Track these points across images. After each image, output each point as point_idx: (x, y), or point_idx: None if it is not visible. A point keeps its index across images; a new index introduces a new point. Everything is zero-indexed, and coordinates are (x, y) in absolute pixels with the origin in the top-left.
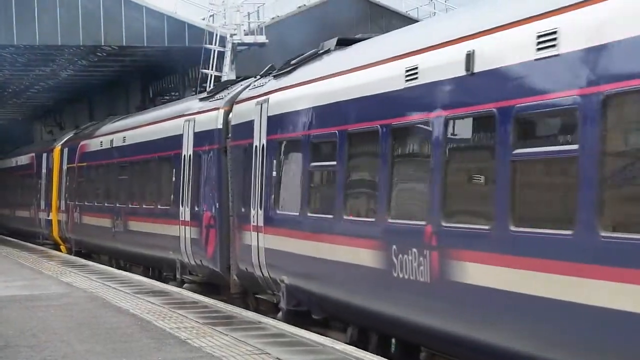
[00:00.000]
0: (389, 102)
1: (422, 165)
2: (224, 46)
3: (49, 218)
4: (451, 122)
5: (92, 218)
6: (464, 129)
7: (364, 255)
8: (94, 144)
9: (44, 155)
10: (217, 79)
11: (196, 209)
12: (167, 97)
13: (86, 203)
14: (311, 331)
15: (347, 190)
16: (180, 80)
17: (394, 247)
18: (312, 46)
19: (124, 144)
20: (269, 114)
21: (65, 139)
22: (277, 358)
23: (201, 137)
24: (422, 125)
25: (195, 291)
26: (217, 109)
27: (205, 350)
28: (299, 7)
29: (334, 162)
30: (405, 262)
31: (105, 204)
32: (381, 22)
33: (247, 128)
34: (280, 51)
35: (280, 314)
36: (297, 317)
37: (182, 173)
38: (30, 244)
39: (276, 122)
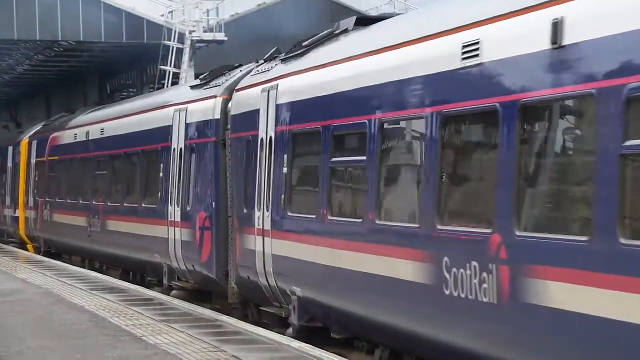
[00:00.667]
0: (439, 85)
1: (485, 159)
2: (183, 43)
3: (15, 215)
4: (526, 108)
5: (65, 216)
6: (546, 116)
7: (403, 268)
8: (67, 136)
9: (10, 148)
10: (175, 75)
11: (188, 208)
12: (125, 94)
13: (57, 200)
14: (330, 351)
15: (380, 190)
16: (138, 77)
17: (446, 259)
18: (271, 44)
19: (102, 136)
20: (277, 102)
21: (33, 131)
22: (233, 356)
23: (195, 129)
24: (485, 112)
25: (184, 299)
26: (214, 97)
27: (161, 348)
28: (259, 4)
29: (363, 157)
30: (462, 277)
31: (80, 201)
32: (340, 20)
33: (250, 118)
34: (239, 49)
35: (290, 329)
36: (311, 334)
37: (171, 168)
38: None
39: (287, 111)
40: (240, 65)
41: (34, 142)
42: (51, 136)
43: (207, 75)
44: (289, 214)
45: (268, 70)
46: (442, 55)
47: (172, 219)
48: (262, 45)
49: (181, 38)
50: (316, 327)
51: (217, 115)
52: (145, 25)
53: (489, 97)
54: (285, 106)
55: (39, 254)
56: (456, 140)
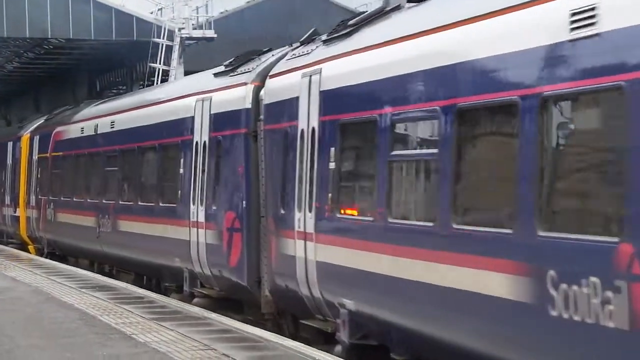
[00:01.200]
0: (540, 62)
1: (614, 149)
2: (172, 40)
3: (16, 214)
4: None
5: (71, 216)
6: None
7: (491, 282)
8: (72, 131)
9: (10, 144)
10: (165, 73)
11: (214, 208)
12: (115, 91)
13: (63, 198)
14: None
15: (457, 188)
16: (127, 74)
17: (552, 273)
18: (261, 41)
19: (113, 129)
20: (322, 89)
21: (35, 126)
22: (224, 354)
23: (221, 120)
24: (603, 94)
25: (207, 307)
26: (244, 84)
27: (150, 346)
28: (248, 1)
29: (434, 150)
30: (575, 296)
31: (88, 200)
32: (331, 18)
33: (288, 107)
34: (229, 46)
35: (338, 347)
36: (364, 353)
37: (193, 164)
38: None
39: (334, 99)
40: (269, 50)
41: (36, 138)
42: (55, 131)
43: (232, 61)
44: (338, 215)
45: (308, 53)
46: (544, 26)
47: (195, 220)
48: (252, 42)
49: (170, 35)
50: (371, 345)
51: (248, 105)
52: (135, 22)
53: (612, 73)
54: (332, 93)
55: (41, 256)
56: (570, 127)
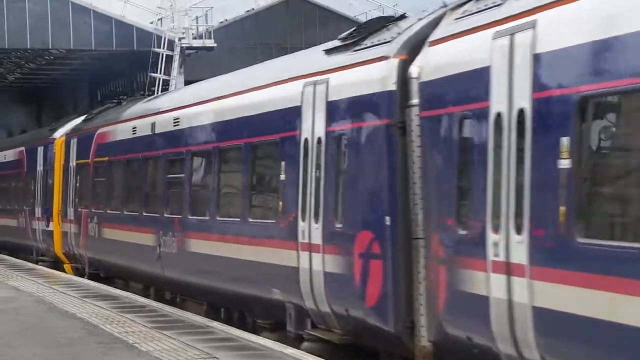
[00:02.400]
0: None
1: None
2: (173, 50)
3: (49, 229)
4: None
5: (121, 232)
6: None
7: None
8: (121, 132)
9: (40, 149)
10: (166, 82)
11: (337, 225)
12: (115, 101)
13: (110, 211)
14: None
15: None
16: (128, 84)
17: None
18: (261, 50)
19: (177, 128)
20: (538, 51)
21: (71, 127)
22: None
23: (345, 109)
24: None
25: (325, 355)
26: (384, 59)
27: (153, 355)
28: (247, 11)
29: None
30: None
31: (144, 213)
32: (330, 27)
33: (470, 83)
34: (229, 55)
35: None
36: None
37: (301, 168)
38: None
39: (563, 66)
40: (403, 16)
41: (73, 141)
42: (97, 132)
43: (351, 33)
44: (582, 240)
45: (497, 5)
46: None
47: (307, 241)
48: (252, 51)
49: (171, 45)
50: None
51: (391, 86)
52: (135, 32)
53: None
54: (560, 56)
55: (81, 277)
56: None
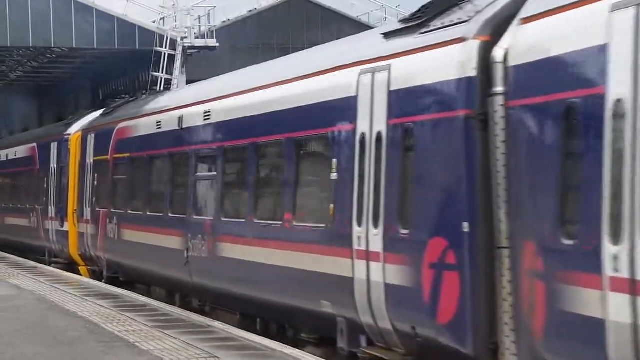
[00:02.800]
0: None
1: None
2: (175, 49)
3: (63, 229)
4: None
5: (145, 233)
6: None
7: None
8: (144, 126)
9: (53, 145)
10: (168, 82)
11: (402, 231)
12: (117, 100)
13: (131, 211)
14: None
15: None
16: (130, 83)
17: None
18: (263, 50)
19: (208, 122)
20: None
21: (87, 122)
22: None
23: (411, 99)
24: None
25: None
26: (461, 41)
27: (153, 354)
28: (250, 10)
29: None
30: None
31: (170, 214)
32: (332, 27)
33: (577, 66)
34: (231, 54)
35: None
36: None
37: (357, 165)
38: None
39: None
40: None
41: (90, 136)
42: (117, 127)
43: (415, 14)
44: None
45: None
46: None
47: (363, 248)
48: (254, 51)
49: (173, 44)
50: None
51: (470, 72)
52: (138, 31)
53: None
54: None
55: (99, 280)
56: None
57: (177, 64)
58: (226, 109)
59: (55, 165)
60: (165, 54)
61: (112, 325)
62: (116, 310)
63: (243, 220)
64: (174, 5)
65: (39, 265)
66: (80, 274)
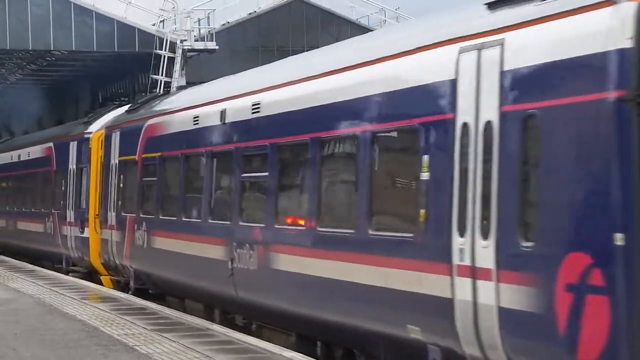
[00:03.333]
0: None
1: None
2: (174, 52)
3: (84, 235)
4: None
5: (179, 241)
6: None
7: None
8: (178, 122)
9: (72, 145)
10: (167, 85)
11: (524, 243)
12: (117, 103)
13: (163, 217)
14: None
15: None
16: (130, 86)
17: None
18: (262, 53)
19: (257, 115)
20: None
21: (110, 119)
22: None
23: (534, 80)
24: None
25: None
26: (609, 3)
27: (152, 357)
28: (249, 13)
29: None
30: None
31: (210, 220)
32: (332, 30)
33: None
34: (231, 57)
35: None
36: None
37: (457, 162)
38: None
39: None
40: None
41: (115, 135)
42: (147, 124)
43: None
44: None
45: None
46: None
47: (469, 263)
48: (253, 54)
49: (172, 47)
50: None
51: (623, 43)
52: (137, 34)
53: None
54: None
55: (124, 291)
56: None
57: (177, 66)
58: (280, 100)
59: (74, 167)
60: (164, 56)
61: (111, 328)
62: (115, 314)
63: (302, 228)
64: (173, 8)
65: (37, 269)
66: (101, 284)
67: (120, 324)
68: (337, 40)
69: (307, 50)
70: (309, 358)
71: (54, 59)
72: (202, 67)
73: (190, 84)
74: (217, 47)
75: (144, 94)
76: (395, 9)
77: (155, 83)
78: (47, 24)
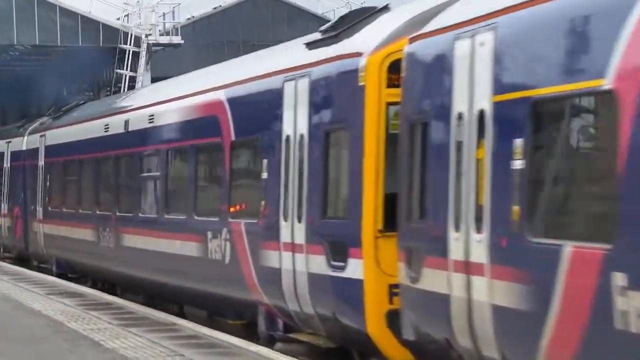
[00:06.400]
0: None
1: None
2: (139, 46)
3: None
4: None
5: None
6: None
7: None
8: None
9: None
10: (132, 79)
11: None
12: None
13: (66, 210)
14: None
15: None
16: (94, 81)
17: None
18: (227, 47)
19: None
20: None
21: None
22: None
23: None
24: None
25: None
26: None
27: (118, 352)
28: (215, 7)
29: None
30: None
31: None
32: (297, 24)
33: None
34: (196, 51)
35: None
36: None
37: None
38: None
39: None
40: None
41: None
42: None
43: None
44: None
45: None
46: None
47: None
48: (219, 48)
49: (137, 42)
50: None
51: None
52: (102, 28)
53: None
54: None
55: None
56: None
57: (142, 61)
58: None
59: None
60: (129, 51)
61: (77, 323)
62: (81, 309)
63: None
64: (138, 2)
65: (3, 264)
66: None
67: (85, 319)
68: (304, 34)
69: (273, 45)
70: (272, 351)
71: (17, 53)
72: (166, 61)
73: (156, 78)
74: (182, 42)
75: (108, 90)
76: (361, 3)
77: (120, 77)
78: (10, 18)
